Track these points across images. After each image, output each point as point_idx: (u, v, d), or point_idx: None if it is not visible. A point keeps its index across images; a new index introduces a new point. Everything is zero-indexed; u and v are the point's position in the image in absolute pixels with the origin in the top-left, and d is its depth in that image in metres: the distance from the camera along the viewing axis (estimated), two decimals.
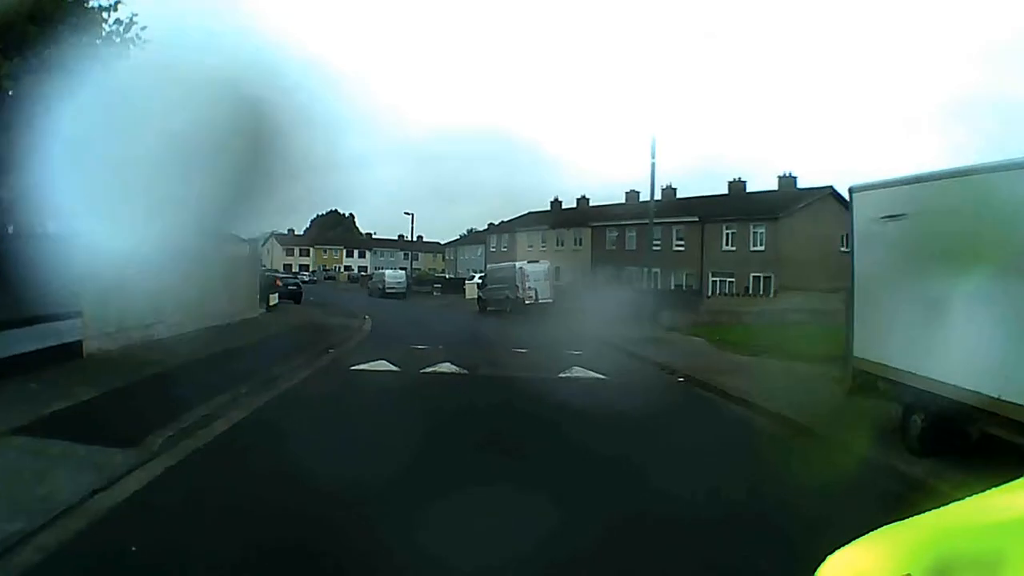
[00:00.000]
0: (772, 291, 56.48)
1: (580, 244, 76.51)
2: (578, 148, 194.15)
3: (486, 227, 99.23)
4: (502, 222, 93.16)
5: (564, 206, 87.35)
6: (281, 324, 32.71)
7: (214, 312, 28.95)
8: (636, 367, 24.55)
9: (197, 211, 22.03)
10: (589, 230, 75.58)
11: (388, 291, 73.13)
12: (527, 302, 47.66)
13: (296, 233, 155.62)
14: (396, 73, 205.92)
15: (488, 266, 68.49)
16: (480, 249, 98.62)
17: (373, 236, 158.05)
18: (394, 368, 21.28)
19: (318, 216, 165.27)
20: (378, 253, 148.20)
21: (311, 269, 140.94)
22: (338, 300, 58.89)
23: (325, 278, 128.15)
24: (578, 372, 21.81)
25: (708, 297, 58.25)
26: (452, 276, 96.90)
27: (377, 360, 22.09)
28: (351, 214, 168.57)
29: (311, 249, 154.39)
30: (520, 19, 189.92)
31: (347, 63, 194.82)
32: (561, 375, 21.34)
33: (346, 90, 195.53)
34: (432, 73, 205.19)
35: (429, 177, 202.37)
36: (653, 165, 32.39)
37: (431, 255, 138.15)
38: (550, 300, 48.67)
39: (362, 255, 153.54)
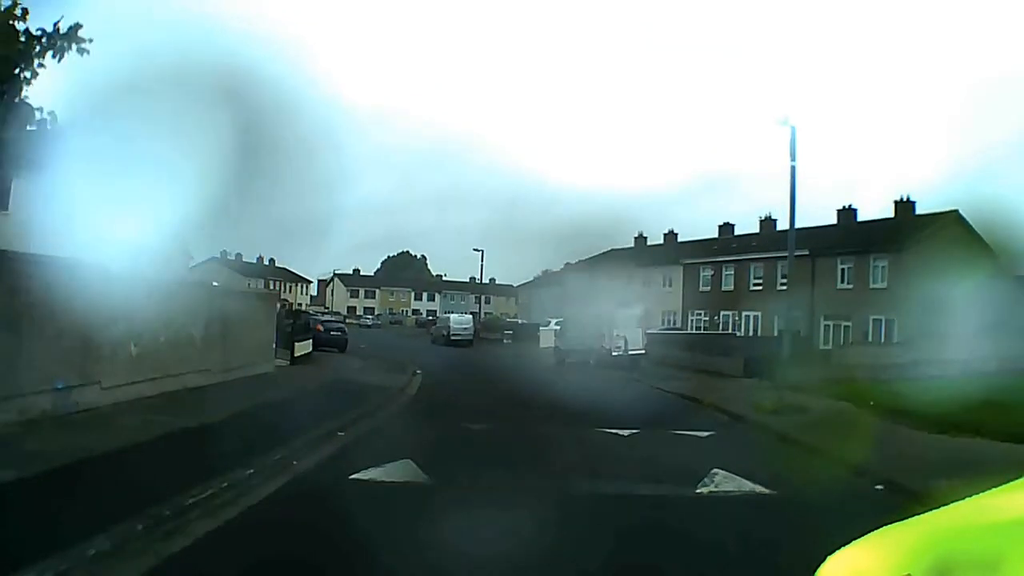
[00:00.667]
0: (895, 336, 47.29)
1: (670, 285, 67.84)
2: (661, 180, 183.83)
3: (562, 267, 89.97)
4: (580, 261, 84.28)
5: (649, 242, 78.85)
6: (294, 385, 24.53)
7: (199, 365, 21.15)
8: (797, 461, 15.92)
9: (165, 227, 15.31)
10: (680, 268, 66.91)
11: (453, 338, 65.22)
12: (614, 353, 39.31)
13: (363, 274, 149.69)
14: (468, 114, 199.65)
15: (568, 310, 59.15)
16: (557, 292, 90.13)
17: (443, 278, 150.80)
18: (422, 479, 12.50)
19: (388, 257, 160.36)
20: (448, 296, 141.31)
21: (376, 312, 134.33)
22: (394, 348, 51.23)
23: (391, 322, 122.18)
24: (724, 481, 13.09)
25: (839, 348, 49.33)
26: (525, 321, 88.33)
27: (401, 460, 13.39)
28: (423, 256, 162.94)
29: (377, 291, 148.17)
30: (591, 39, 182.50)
31: (410, 104, 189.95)
32: (702, 490, 12.67)
33: (412, 132, 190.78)
34: (505, 112, 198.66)
35: (503, 219, 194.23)
36: (793, 170, 23.63)
37: (503, 298, 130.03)
38: (642, 351, 40.27)
39: (431, 298, 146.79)
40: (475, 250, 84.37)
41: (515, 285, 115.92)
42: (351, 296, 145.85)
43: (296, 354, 32.29)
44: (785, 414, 21.39)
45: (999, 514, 1.81)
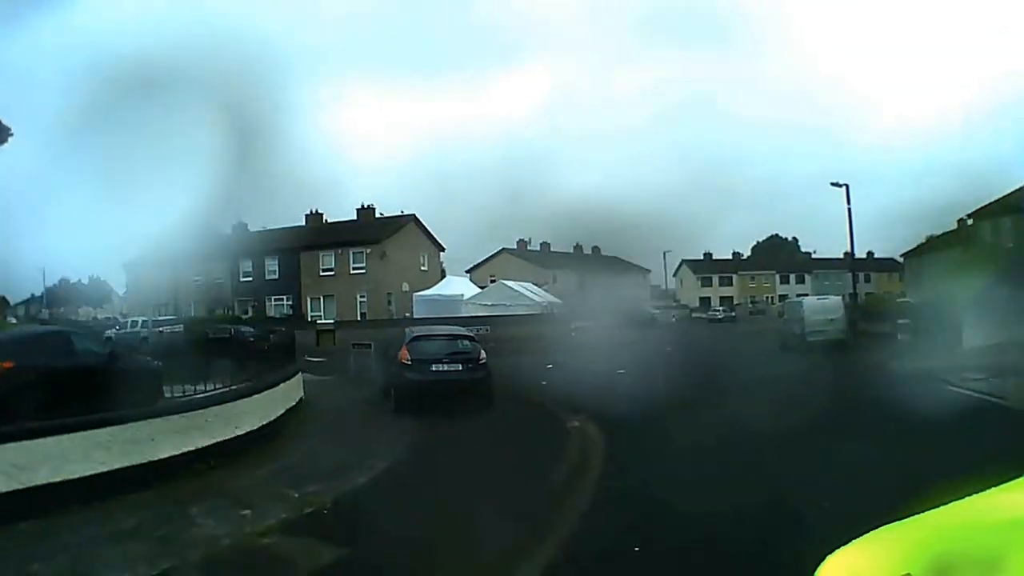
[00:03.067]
0: None
1: None
2: None
3: (964, 218, 62.21)
4: (985, 207, 56.41)
5: None
6: None
7: None
8: None
9: None
10: None
11: (811, 338, 38.94)
12: None
13: (716, 258, 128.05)
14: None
15: None
16: (956, 254, 62.70)
17: (812, 256, 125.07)
18: None
19: (757, 243, 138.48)
20: (819, 277, 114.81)
21: (735, 302, 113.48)
22: (692, 371, 28.73)
23: (751, 312, 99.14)
24: None
25: None
26: (915, 301, 60.99)
27: None
28: (794, 238, 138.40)
29: (733, 276, 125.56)
30: None
31: None
32: None
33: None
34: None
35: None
36: None
37: (885, 275, 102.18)
38: None
39: (800, 280, 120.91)
40: (835, 185, 53.28)
41: (898, 257, 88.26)
42: (702, 285, 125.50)
43: None
44: None
45: (999, 513, 1.82)
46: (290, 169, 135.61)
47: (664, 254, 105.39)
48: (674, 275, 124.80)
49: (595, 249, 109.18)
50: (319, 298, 69.41)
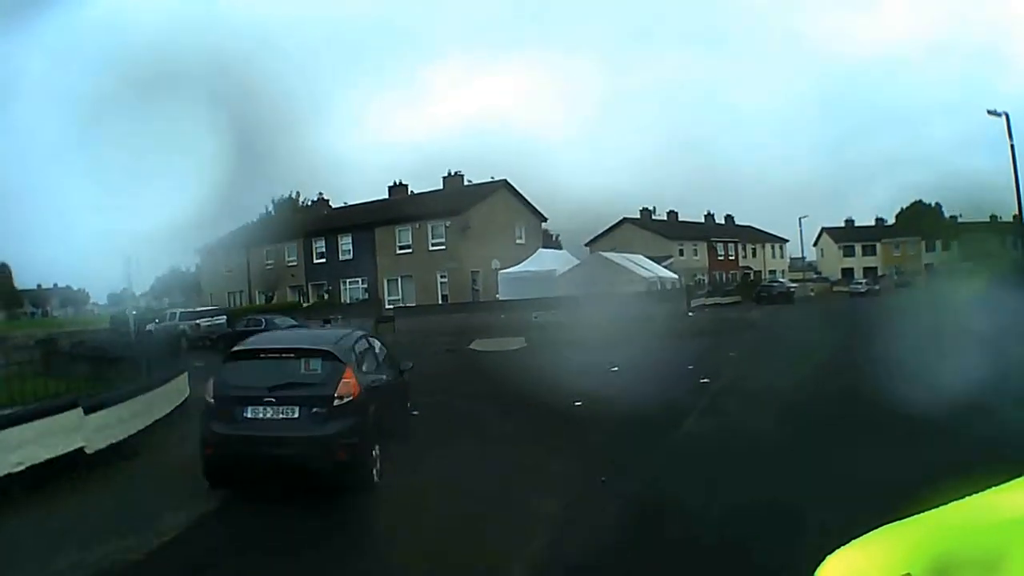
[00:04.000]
0: None
1: None
2: None
3: None
4: None
5: None
6: None
7: None
8: None
9: None
10: None
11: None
12: None
13: (858, 224, 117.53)
14: None
15: None
16: None
17: (958, 220, 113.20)
18: None
19: (901, 209, 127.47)
20: (964, 243, 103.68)
21: (879, 273, 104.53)
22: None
23: (897, 284, 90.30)
24: None
25: None
26: None
27: None
28: (936, 204, 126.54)
29: (877, 245, 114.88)
30: None
31: None
32: None
33: None
34: None
35: None
36: None
37: None
38: None
39: (946, 247, 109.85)
40: (992, 113, 40.90)
41: None
42: (844, 255, 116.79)
43: None
44: None
45: (999, 514, 1.82)
46: (388, 141, 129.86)
47: (800, 220, 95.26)
48: (814, 244, 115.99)
49: (728, 218, 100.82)
50: (396, 279, 61.64)
